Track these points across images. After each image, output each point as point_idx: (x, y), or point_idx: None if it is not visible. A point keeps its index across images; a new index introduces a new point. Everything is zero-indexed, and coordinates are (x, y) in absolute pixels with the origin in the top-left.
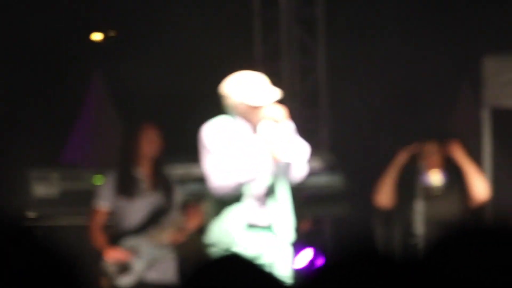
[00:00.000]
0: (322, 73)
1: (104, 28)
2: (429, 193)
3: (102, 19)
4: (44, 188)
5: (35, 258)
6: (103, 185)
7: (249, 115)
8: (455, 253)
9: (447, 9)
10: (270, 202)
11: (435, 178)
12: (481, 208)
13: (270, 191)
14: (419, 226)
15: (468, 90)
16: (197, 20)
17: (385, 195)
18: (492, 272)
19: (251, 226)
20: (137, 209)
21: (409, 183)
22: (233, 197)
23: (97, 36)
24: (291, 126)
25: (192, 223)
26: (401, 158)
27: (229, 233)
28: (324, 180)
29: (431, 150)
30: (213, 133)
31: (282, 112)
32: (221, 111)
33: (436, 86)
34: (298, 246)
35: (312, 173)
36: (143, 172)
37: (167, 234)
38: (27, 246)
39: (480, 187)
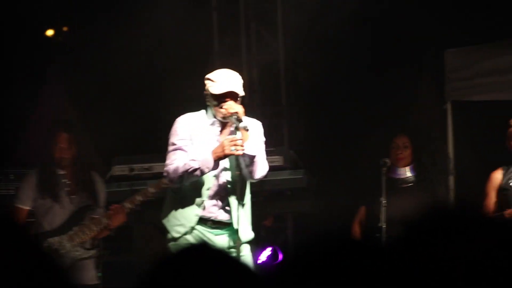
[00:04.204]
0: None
1: (57, 24)
2: (396, 187)
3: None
4: None
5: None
6: (24, 184)
7: (214, 105)
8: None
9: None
10: (231, 199)
11: (404, 172)
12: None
13: (230, 188)
14: (383, 219)
15: (429, 84)
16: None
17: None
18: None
19: (211, 221)
20: (60, 209)
21: (376, 177)
22: (192, 192)
23: (50, 32)
24: (257, 123)
25: (115, 222)
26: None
27: (186, 226)
28: (286, 176)
29: (401, 143)
30: (181, 125)
31: (239, 108)
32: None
33: (397, 81)
34: (260, 242)
35: (274, 169)
36: (65, 173)
37: (90, 233)
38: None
39: None
